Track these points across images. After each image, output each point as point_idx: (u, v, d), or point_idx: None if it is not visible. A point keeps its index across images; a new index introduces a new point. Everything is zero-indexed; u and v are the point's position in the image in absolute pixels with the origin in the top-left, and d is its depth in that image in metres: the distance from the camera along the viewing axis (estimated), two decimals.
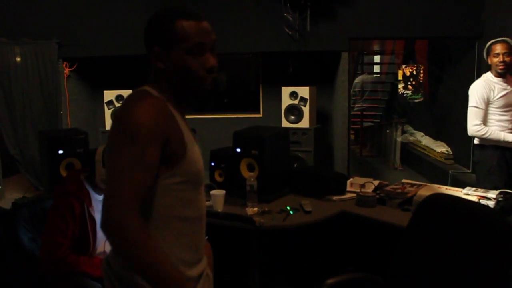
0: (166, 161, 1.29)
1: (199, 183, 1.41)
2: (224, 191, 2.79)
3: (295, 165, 4.69)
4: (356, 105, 8.57)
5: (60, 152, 3.79)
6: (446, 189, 3.01)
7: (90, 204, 2.30)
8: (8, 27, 5.33)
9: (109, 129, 5.19)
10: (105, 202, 1.21)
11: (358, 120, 8.36)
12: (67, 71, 5.57)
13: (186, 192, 1.36)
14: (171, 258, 1.31)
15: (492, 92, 3.59)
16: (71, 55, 5.45)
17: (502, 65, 3.51)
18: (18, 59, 5.32)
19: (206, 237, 1.52)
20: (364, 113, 8.57)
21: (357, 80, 8.91)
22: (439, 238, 1.70)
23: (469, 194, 2.80)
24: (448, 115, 6.35)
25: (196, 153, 1.39)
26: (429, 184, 3.15)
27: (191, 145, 1.37)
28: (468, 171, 5.36)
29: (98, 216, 2.32)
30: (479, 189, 2.84)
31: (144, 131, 1.21)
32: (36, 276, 2.25)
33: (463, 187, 2.99)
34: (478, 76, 3.93)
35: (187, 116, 1.46)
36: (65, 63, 5.53)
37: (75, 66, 5.62)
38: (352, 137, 5.60)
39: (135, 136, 1.21)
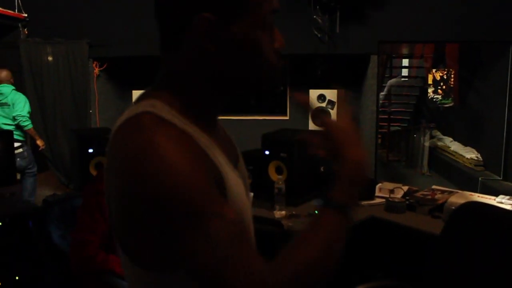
0: None
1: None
2: (251, 194, 2.77)
3: (322, 168, 4.65)
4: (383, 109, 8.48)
5: (90, 150, 3.85)
6: (478, 196, 2.95)
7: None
8: (41, 28, 5.45)
9: None
10: None
11: (385, 124, 8.25)
12: (96, 70, 5.65)
13: None
14: None
15: None
16: (101, 55, 5.53)
17: None
18: (50, 58, 5.43)
19: None
20: (392, 117, 8.46)
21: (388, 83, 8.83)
22: (475, 248, 1.66)
23: (503, 202, 2.73)
24: (479, 120, 6.22)
25: (237, 187, 0.88)
26: (460, 191, 3.08)
27: (231, 180, 0.86)
28: (499, 178, 5.24)
29: None
30: None
31: (199, 185, 0.74)
32: (66, 273, 2.27)
33: (494, 195, 2.92)
34: None
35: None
36: (95, 62, 5.61)
37: (104, 66, 5.70)
38: (379, 141, 5.53)
39: (185, 203, 0.72)
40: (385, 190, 3.08)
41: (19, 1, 5.35)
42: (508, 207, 2.65)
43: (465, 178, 5.83)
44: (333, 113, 5.02)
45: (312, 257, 0.81)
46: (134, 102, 0.88)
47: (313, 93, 5.12)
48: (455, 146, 6.84)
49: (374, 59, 5.08)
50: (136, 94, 5.30)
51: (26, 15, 5.42)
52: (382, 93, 8.09)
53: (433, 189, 3.12)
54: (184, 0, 0.79)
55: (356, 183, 0.89)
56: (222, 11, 0.79)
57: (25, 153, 5.02)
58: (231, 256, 0.73)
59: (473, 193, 3.04)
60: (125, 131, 0.79)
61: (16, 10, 5.34)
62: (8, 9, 5.23)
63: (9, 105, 4.96)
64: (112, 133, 0.83)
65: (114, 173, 0.79)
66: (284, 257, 0.80)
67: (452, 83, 7.51)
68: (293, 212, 2.76)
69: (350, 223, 0.87)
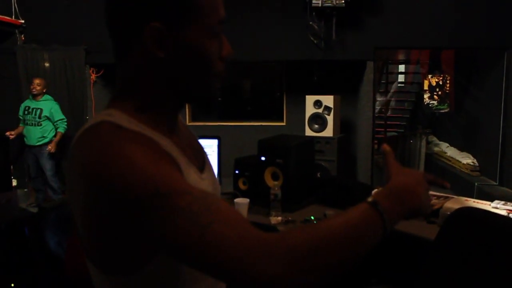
0: None
1: None
2: (248, 200, 2.78)
3: (318, 174, 4.67)
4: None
5: None
6: (474, 202, 2.95)
7: None
8: (38, 34, 5.46)
9: None
10: (231, 275, 0.72)
11: (382, 129, 8.28)
12: (93, 76, 5.67)
13: None
14: None
15: None
16: (97, 62, 5.55)
17: None
18: (47, 64, 5.45)
19: None
20: (388, 122, 8.49)
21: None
22: (470, 253, 1.66)
23: (498, 207, 2.73)
24: (475, 126, 6.25)
25: (200, 186, 0.89)
26: (455, 197, 3.08)
27: (193, 182, 0.85)
28: (495, 183, 5.26)
29: None
30: (508, 203, 2.78)
31: (152, 173, 0.74)
32: (62, 280, 2.27)
33: (490, 200, 2.92)
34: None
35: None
36: (91, 69, 5.63)
37: (101, 72, 5.71)
38: (375, 146, 5.54)
39: (154, 188, 0.72)
40: None
41: (16, 8, 5.37)
42: (503, 212, 2.66)
43: (461, 183, 5.85)
44: (330, 119, 5.04)
45: (333, 237, 0.75)
46: (97, 115, 0.88)
47: (310, 99, 5.14)
48: (451, 151, 6.87)
49: (370, 65, 5.11)
50: None
51: (23, 21, 5.43)
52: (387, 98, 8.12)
53: (429, 195, 3.12)
54: (134, 11, 0.82)
55: (403, 199, 0.87)
56: (170, 20, 0.81)
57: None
58: (212, 221, 0.71)
59: (468, 199, 3.04)
60: (83, 140, 0.81)
61: (13, 17, 5.35)
62: (5, 16, 5.23)
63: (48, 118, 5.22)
64: (71, 145, 0.83)
65: (77, 181, 0.79)
66: (305, 228, 0.77)
67: (447, 89, 7.55)
68: (289, 218, 2.75)
69: (384, 233, 0.82)
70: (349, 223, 0.78)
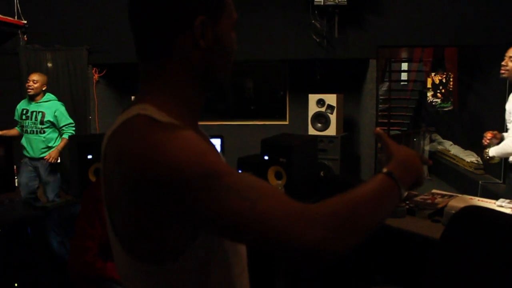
0: None
1: None
2: None
3: (321, 173, 4.65)
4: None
5: (89, 157, 3.84)
6: (478, 200, 2.94)
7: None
8: (41, 34, 5.46)
9: None
10: (287, 248, 0.79)
11: (385, 128, 8.25)
12: (96, 77, 5.66)
13: None
14: None
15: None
16: (100, 61, 5.55)
17: (502, 69, 3.41)
18: (50, 65, 5.45)
19: None
20: (391, 121, 8.46)
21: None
22: (475, 252, 1.65)
23: (503, 206, 2.72)
24: (479, 124, 6.22)
25: None
26: (460, 195, 3.07)
27: None
28: (499, 181, 5.23)
29: None
30: None
31: (210, 160, 0.81)
32: (65, 280, 2.27)
33: (494, 199, 2.91)
34: (511, 85, 3.83)
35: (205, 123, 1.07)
36: (94, 69, 5.63)
37: (104, 72, 5.71)
38: (379, 145, 5.52)
39: (204, 171, 0.79)
40: None
41: (19, 8, 5.37)
42: (508, 210, 2.64)
43: (466, 182, 5.83)
44: (333, 117, 5.03)
45: (358, 203, 0.85)
46: (124, 109, 0.95)
47: (312, 98, 5.12)
48: (455, 149, 6.84)
49: (373, 63, 5.09)
50: None
51: (25, 22, 5.43)
52: None
53: (433, 193, 3.12)
54: (185, 7, 0.90)
55: (409, 168, 0.98)
56: (210, 14, 0.92)
57: None
58: (259, 196, 0.79)
59: (473, 197, 3.03)
60: (123, 132, 0.87)
61: (16, 17, 5.35)
62: (8, 16, 5.24)
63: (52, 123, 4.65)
64: (107, 139, 0.91)
65: (119, 172, 0.83)
66: (333, 199, 0.85)
67: (451, 86, 7.52)
68: None
69: (400, 198, 0.93)
70: (373, 190, 0.88)
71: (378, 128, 1.11)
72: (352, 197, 0.85)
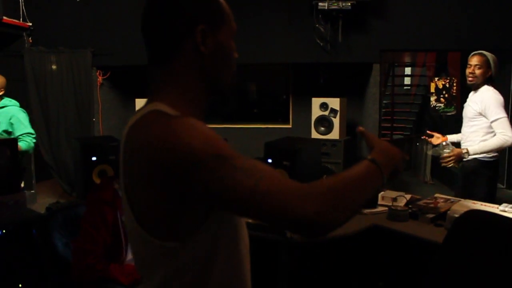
0: None
1: None
2: None
3: (324, 176, 4.66)
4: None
5: (94, 158, 3.86)
6: (481, 205, 2.94)
7: (123, 213, 2.32)
8: (45, 37, 5.49)
9: None
10: (286, 222, 0.92)
11: (388, 132, 8.26)
12: (100, 79, 5.69)
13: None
14: None
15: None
16: (104, 64, 5.57)
17: (470, 77, 3.50)
18: (54, 67, 5.47)
19: None
20: (394, 125, 8.47)
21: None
22: (478, 256, 1.65)
23: (506, 210, 2.73)
24: None
25: None
26: (462, 200, 3.08)
27: None
28: (503, 186, 5.24)
29: None
30: None
31: (220, 145, 0.94)
32: (69, 281, 2.27)
33: (498, 203, 2.92)
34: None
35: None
36: (98, 71, 5.66)
37: (108, 74, 5.74)
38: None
39: (215, 153, 0.92)
40: (388, 199, 3.08)
41: (24, 11, 5.40)
42: (511, 215, 2.65)
43: (495, 194, 5.80)
44: (336, 121, 5.04)
45: (347, 184, 0.96)
46: (138, 110, 1.07)
47: (316, 102, 5.14)
48: None
49: (376, 67, 5.10)
50: (139, 102, 5.37)
51: (30, 24, 5.46)
52: None
53: (436, 198, 3.12)
54: (188, 17, 1.04)
55: (390, 157, 1.10)
56: (211, 23, 1.05)
57: None
58: (262, 175, 0.91)
59: (476, 202, 3.03)
60: (141, 125, 0.99)
61: (21, 20, 5.38)
62: (13, 18, 5.27)
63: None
64: (125, 134, 1.03)
65: (139, 158, 0.96)
66: (324, 180, 0.96)
67: (454, 91, 7.52)
68: None
69: (382, 182, 1.05)
70: (359, 174, 1.00)
71: (360, 127, 1.23)
72: (341, 178, 0.96)
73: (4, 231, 3.04)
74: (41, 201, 5.29)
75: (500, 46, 4.90)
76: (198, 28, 1.03)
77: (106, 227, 2.24)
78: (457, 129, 3.87)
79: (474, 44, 4.91)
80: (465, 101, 3.71)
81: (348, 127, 5.41)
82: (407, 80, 9.49)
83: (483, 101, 3.42)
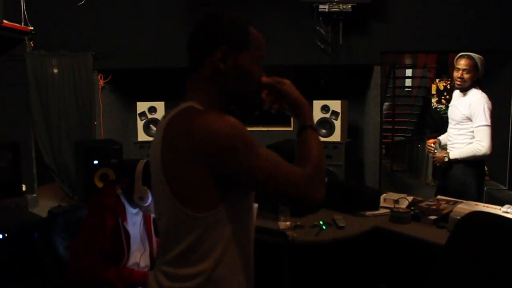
0: None
1: None
2: (256, 205, 2.78)
3: (326, 179, 4.65)
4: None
5: (95, 162, 3.87)
6: (484, 206, 2.94)
7: (125, 219, 2.32)
8: (47, 40, 5.50)
9: (141, 140, 5.27)
10: (291, 198, 1.21)
11: (389, 134, 8.25)
12: (101, 82, 5.69)
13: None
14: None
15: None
16: (105, 67, 5.57)
17: (458, 81, 3.50)
18: (55, 70, 5.47)
19: None
20: (396, 127, 8.47)
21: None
22: (480, 258, 1.65)
23: (509, 212, 2.72)
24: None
25: None
26: (465, 201, 3.07)
27: None
28: (505, 188, 5.23)
29: (132, 230, 2.35)
30: None
31: (244, 135, 1.18)
32: (71, 285, 2.27)
33: (500, 205, 2.91)
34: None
35: None
36: (99, 74, 5.65)
37: (109, 77, 5.73)
38: (383, 151, 5.52)
39: (247, 144, 1.17)
40: (390, 201, 3.08)
41: (25, 15, 5.41)
42: None
43: (482, 191, 5.79)
44: (337, 123, 5.04)
45: (317, 155, 1.26)
46: (174, 108, 1.29)
47: (317, 104, 5.14)
48: None
49: (377, 69, 5.10)
50: (140, 105, 5.37)
51: (32, 28, 5.47)
52: None
53: (438, 199, 3.12)
54: (210, 37, 1.27)
55: (309, 110, 1.38)
56: (232, 46, 1.27)
57: None
58: (278, 162, 1.19)
59: (478, 203, 3.03)
60: (179, 117, 1.23)
61: (23, 24, 5.39)
62: (15, 23, 5.28)
63: None
64: (163, 127, 1.24)
65: (191, 141, 1.16)
66: (302, 160, 1.26)
67: None
68: (298, 223, 2.75)
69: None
70: (316, 145, 1.29)
71: (264, 78, 1.38)
72: (315, 156, 1.25)
73: (6, 234, 3.04)
74: (43, 205, 5.30)
75: (501, 47, 4.91)
76: (220, 48, 1.25)
77: (104, 232, 2.24)
78: None
79: (474, 45, 4.91)
80: None
81: (349, 129, 5.40)
82: (408, 82, 9.50)
83: (472, 105, 3.43)
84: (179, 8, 5.27)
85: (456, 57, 3.59)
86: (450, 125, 3.67)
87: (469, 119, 3.44)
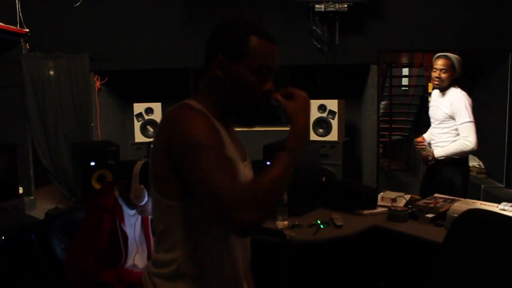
0: None
1: None
2: None
3: (324, 178, 4.65)
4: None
5: (92, 163, 3.86)
6: (481, 204, 2.94)
7: (122, 220, 2.32)
8: (42, 42, 5.49)
9: (138, 141, 5.27)
10: (214, 210, 1.16)
11: (387, 133, 8.26)
12: (98, 84, 5.68)
13: None
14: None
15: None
16: (102, 69, 5.56)
17: (436, 81, 3.61)
18: (52, 72, 5.46)
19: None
20: (393, 126, 8.47)
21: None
22: (478, 255, 1.65)
23: (506, 209, 2.73)
24: (480, 128, 6.19)
25: (237, 170, 1.33)
26: (462, 199, 3.08)
27: (233, 161, 1.32)
28: (502, 185, 5.23)
29: (129, 231, 2.36)
30: None
31: (203, 136, 1.18)
32: (69, 286, 2.27)
33: (497, 202, 2.92)
34: None
35: None
36: (96, 76, 5.64)
37: (105, 79, 5.73)
38: (380, 150, 5.51)
39: (199, 143, 1.17)
40: (387, 199, 3.08)
41: (21, 17, 5.40)
42: (510, 214, 2.65)
43: (468, 186, 5.80)
44: (334, 123, 5.04)
45: (272, 180, 1.16)
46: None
47: (314, 103, 5.13)
48: None
49: (374, 68, 5.10)
50: (137, 106, 5.36)
51: (27, 30, 5.46)
52: None
53: (436, 198, 3.12)
54: (212, 44, 1.34)
55: (305, 139, 1.29)
56: (228, 55, 1.30)
57: None
58: (219, 171, 1.15)
59: (475, 201, 3.04)
60: (169, 112, 1.28)
61: (18, 26, 5.38)
62: (10, 25, 5.27)
63: None
64: (161, 121, 1.32)
65: (162, 133, 1.25)
66: (253, 179, 1.26)
67: None
68: (296, 223, 2.75)
69: (296, 163, 1.23)
70: (281, 170, 1.19)
71: (274, 95, 1.37)
72: (267, 180, 1.16)
73: (3, 237, 3.03)
74: (40, 207, 5.28)
75: (497, 46, 4.92)
76: (218, 56, 1.30)
77: (102, 234, 2.24)
78: None
79: (471, 44, 4.93)
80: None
81: (346, 129, 5.40)
82: (404, 81, 9.50)
83: (453, 104, 3.53)
84: (175, 9, 5.26)
85: (433, 58, 3.69)
86: (433, 125, 3.79)
87: (452, 117, 3.55)
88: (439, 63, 3.58)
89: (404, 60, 9.19)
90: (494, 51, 5.22)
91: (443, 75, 3.56)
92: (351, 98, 5.56)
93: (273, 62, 1.36)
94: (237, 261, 1.39)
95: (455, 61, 3.56)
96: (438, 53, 3.68)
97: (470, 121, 3.51)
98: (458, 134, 3.54)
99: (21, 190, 4.83)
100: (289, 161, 1.21)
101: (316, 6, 4.72)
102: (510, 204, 2.79)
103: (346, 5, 4.67)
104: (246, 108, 1.36)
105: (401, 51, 7.34)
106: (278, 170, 1.18)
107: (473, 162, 6.05)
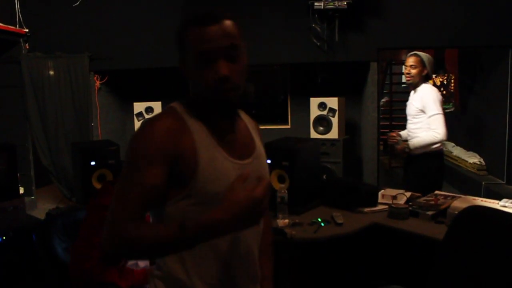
0: (176, 181, 1.22)
1: None
2: None
3: (324, 176, 4.66)
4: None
5: (93, 163, 3.86)
6: (482, 200, 2.94)
7: None
8: (42, 42, 5.49)
9: None
10: (104, 226, 1.20)
11: (387, 130, 8.25)
12: (98, 83, 5.68)
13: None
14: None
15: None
16: (102, 68, 5.56)
17: (407, 77, 3.87)
18: (52, 72, 5.46)
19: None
20: (393, 123, 8.46)
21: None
22: (479, 252, 1.65)
23: (507, 206, 2.72)
24: (480, 125, 6.22)
25: (218, 171, 1.25)
26: (463, 196, 3.08)
27: (209, 163, 1.24)
28: (503, 182, 5.23)
29: None
30: None
31: (142, 153, 1.19)
32: (69, 286, 2.27)
33: (498, 199, 2.92)
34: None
35: None
36: (96, 76, 5.64)
37: (105, 78, 5.73)
38: (381, 147, 5.50)
39: (134, 160, 1.20)
40: (388, 197, 3.08)
41: (20, 17, 5.40)
42: (511, 210, 2.64)
43: (468, 183, 5.81)
44: (334, 120, 5.04)
45: (155, 241, 1.14)
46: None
47: (314, 101, 5.14)
48: (457, 151, 6.83)
49: (374, 66, 5.09)
50: (137, 106, 5.37)
51: (27, 30, 5.46)
52: None
53: (436, 195, 3.12)
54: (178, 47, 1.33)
55: (215, 224, 1.12)
56: (180, 53, 1.31)
57: None
58: (129, 193, 1.19)
59: (476, 198, 3.03)
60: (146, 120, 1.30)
61: (17, 26, 5.38)
62: (9, 25, 5.27)
63: None
64: None
65: None
66: (143, 230, 1.16)
67: (452, 88, 7.52)
68: (296, 221, 2.75)
69: (193, 245, 1.15)
70: (167, 240, 1.13)
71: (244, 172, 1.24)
72: (151, 240, 1.14)
73: (4, 237, 3.03)
74: (41, 207, 5.29)
75: (497, 42, 4.90)
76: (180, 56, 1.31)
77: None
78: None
79: (470, 40, 4.92)
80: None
81: (347, 126, 5.40)
82: (405, 78, 9.48)
83: (422, 98, 3.74)
84: (175, 8, 5.26)
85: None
86: (408, 122, 3.99)
87: (423, 111, 3.73)
88: (410, 60, 3.83)
89: (404, 57, 9.15)
90: (494, 48, 5.21)
91: (413, 71, 3.80)
92: (351, 95, 5.55)
93: (212, 44, 1.21)
94: (231, 266, 1.33)
95: (424, 58, 3.78)
96: (433, 49, 3.83)
97: (439, 113, 3.65)
98: (429, 128, 3.68)
99: (22, 190, 4.84)
100: (179, 236, 1.11)
101: (316, 3, 4.71)
102: (511, 200, 2.78)
103: (345, 3, 4.66)
104: (212, 101, 1.27)
105: (401, 49, 7.32)
106: (169, 239, 1.12)
107: (474, 159, 6.05)
